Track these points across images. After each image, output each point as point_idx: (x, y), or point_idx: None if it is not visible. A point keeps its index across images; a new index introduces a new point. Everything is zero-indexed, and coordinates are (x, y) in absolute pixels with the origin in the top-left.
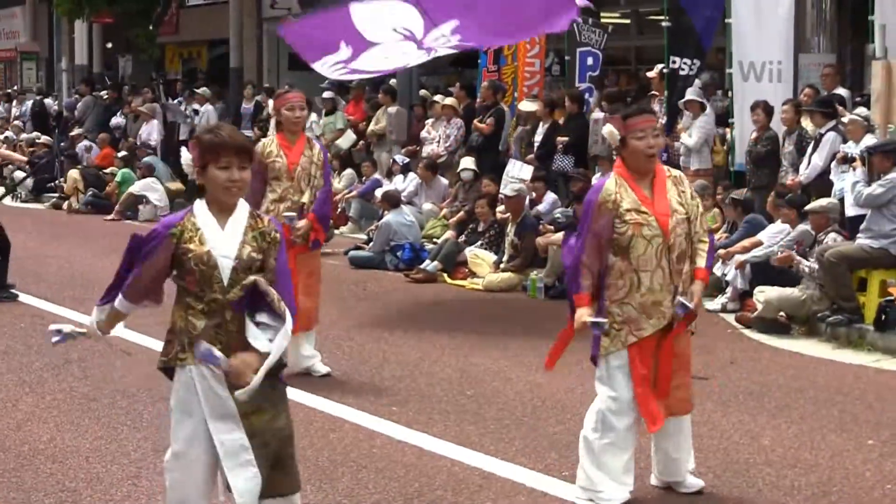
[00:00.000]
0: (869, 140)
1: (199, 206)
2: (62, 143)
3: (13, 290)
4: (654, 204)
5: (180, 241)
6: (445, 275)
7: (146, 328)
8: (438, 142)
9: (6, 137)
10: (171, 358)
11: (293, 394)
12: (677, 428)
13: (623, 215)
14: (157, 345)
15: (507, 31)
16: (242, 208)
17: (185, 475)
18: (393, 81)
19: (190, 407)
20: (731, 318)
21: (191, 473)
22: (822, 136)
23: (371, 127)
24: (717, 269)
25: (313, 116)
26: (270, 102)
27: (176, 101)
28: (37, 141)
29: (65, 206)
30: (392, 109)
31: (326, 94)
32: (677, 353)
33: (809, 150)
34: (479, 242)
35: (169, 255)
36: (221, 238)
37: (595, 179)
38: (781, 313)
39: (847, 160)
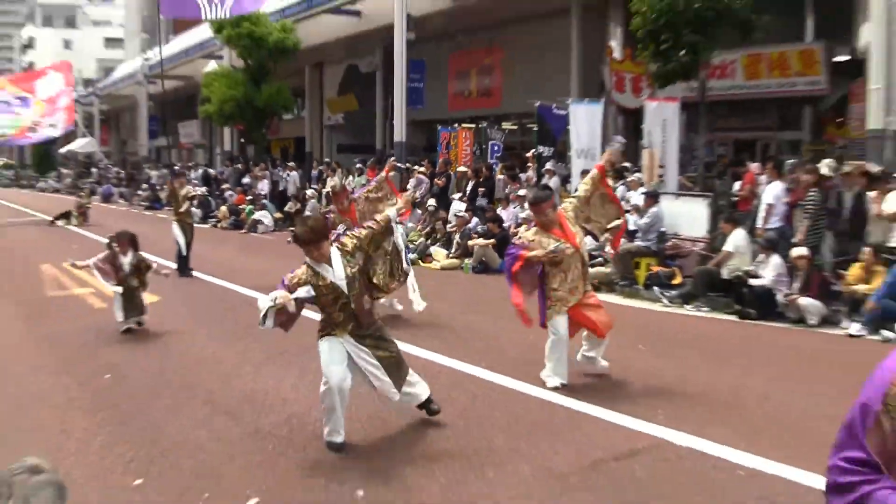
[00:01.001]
0: (641, 190)
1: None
2: (217, 192)
3: (192, 271)
4: (566, 235)
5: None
6: (420, 262)
7: None
8: (416, 191)
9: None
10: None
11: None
12: (599, 340)
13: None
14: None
15: None
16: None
17: (333, 397)
18: (392, 159)
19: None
20: None
21: (335, 395)
22: (617, 188)
23: None
24: None
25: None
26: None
27: (277, 170)
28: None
29: (218, 226)
30: (392, 174)
31: (357, 164)
32: (594, 303)
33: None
34: (438, 244)
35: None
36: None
37: (499, 210)
38: (596, 280)
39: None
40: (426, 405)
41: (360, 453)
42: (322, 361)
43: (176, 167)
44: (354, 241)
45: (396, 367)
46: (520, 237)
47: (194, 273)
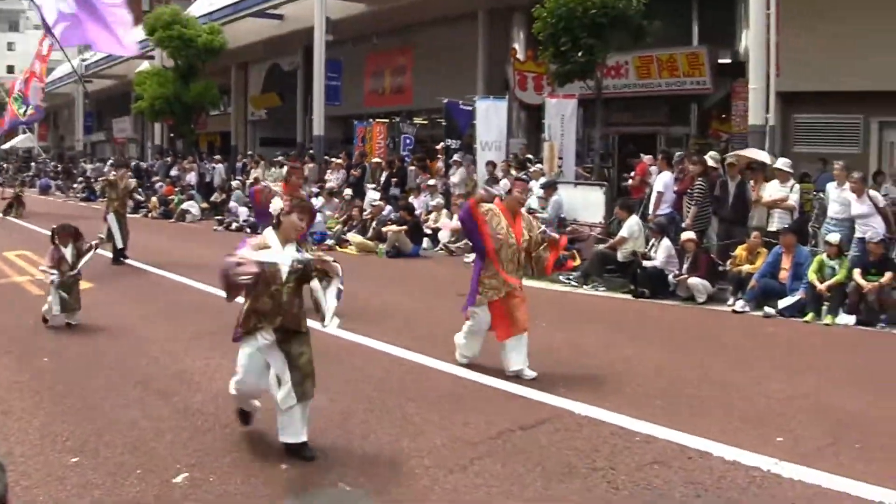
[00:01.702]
0: (542, 180)
1: (270, 232)
2: (147, 184)
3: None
4: (515, 229)
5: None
6: (337, 247)
7: None
8: (334, 181)
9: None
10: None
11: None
12: (521, 341)
13: (497, 230)
14: None
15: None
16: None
17: (241, 402)
18: (312, 152)
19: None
20: None
21: (252, 389)
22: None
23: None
24: None
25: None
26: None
27: (204, 162)
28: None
29: (149, 216)
30: (312, 166)
31: (279, 156)
32: (521, 299)
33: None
34: (353, 230)
35: None
36: (283, 253)
37: (411, 199)
38: None
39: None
40: (299, 449)
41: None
42: (240, 365)
43: (120, 159)
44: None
45: (303, 379)
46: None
47: (129, 261)
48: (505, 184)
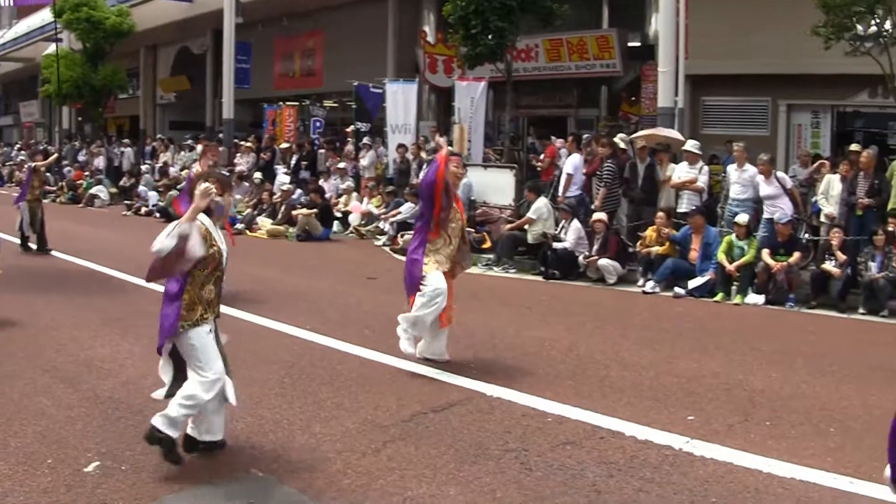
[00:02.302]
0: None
1: (206, 218)
2: (56, 169)
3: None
4: (459, 205)
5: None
6: (248, 231)
7: None
8: (244, 165)
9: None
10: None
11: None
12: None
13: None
14: None
15: None
16: None
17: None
18: (221, 135)
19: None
20: (387, 248)
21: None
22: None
23: None
24: (383, 224)
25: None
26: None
27: (112, 146)
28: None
29: (57, 201)
30: (222, 149)
31: (188, 139)
32: (452, 284)
33: (426, 166)
34: (264, 214)
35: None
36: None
37: (321, 182)
38: None
39: None
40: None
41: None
42: (205, 355)
43: (38, 145)
44: None
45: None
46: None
47: (31, 245)
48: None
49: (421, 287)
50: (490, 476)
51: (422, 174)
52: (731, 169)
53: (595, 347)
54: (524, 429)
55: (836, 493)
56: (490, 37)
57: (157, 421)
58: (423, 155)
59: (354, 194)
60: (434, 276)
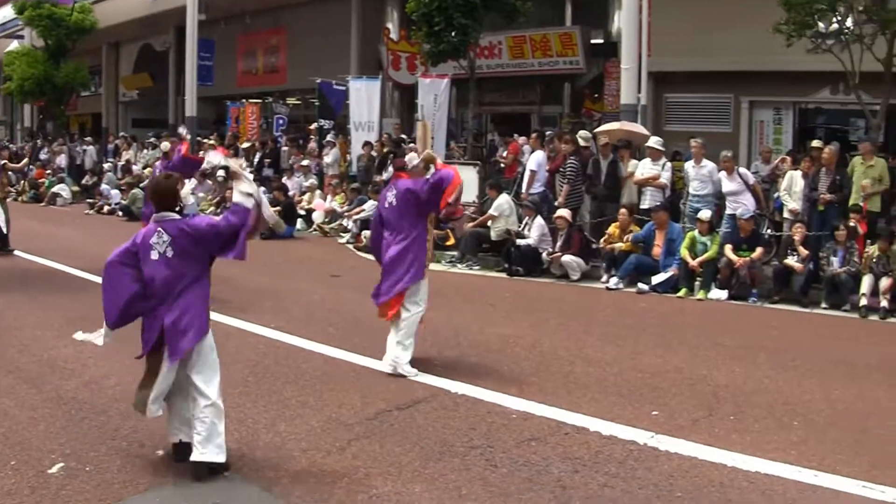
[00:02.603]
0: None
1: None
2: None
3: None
4: None
5: None
6: None
7: None
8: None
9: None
10: None
11: None
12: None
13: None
14: None
15: None
16: None
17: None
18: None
19: None
20: (350, 246)
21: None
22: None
23: None
24: (347, 222)
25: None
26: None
27: (74, 144)
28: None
29: (19, 199)
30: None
31: (152, 137)
32: None
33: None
34: None
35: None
36: None
37: (284, 180)
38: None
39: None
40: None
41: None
42: (216, 357)
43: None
44: None
45: None
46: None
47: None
48: (412, 157)
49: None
50: (455, 473)
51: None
52: (689, 165)
53: (559, 344)
54: (489, 426)
55: (801, 486)
56: (453, 34)
57: (213, 453)
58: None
59: (318, 192)
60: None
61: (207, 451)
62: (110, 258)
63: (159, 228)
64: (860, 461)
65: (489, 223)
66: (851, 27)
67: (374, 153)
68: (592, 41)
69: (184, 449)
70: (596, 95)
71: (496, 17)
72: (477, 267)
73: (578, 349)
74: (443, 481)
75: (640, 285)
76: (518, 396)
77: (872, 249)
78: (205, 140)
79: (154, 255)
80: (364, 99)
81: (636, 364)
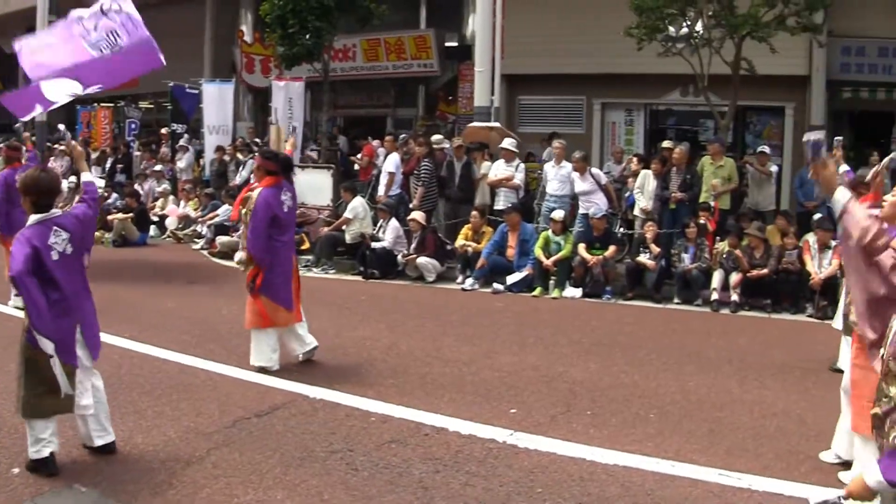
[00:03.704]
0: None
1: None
2: None
3: None
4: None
5: None
6: None
7: None
8: (58, 169)
9: None
10: None
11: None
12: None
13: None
14: None
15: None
16: None
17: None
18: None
19: None
20: (205, 252)
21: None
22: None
23: None
24: (201, 228)
25: None
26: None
27: None
28: None
29: None
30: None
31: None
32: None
33: (242, 168)
34: None
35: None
36: None
37: (136, 186)
38: (230, 249)
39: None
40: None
41: (14, 430)
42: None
43: None
44: None
45: None
46: None
47: None
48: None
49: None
50: (317, 478)
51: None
52: (549, 166)
53: (416, 345)
54: (348, 429)
55: (659, 477)
56: (307, 36)
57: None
58: (240, 156)
59: (171, 197)
60: None
61: (110, 431)
62: (18, 269)
63: (55, 227)
64: (715, 450)
65: (344, 227)
66: (701, 31)
67: (226, 157)
68: (447, 44)
69: (53, 461)
70: (450, 98)
71: (350, 20)
72: (332, 270)
73: (435, 350)
74: (304, 487)
75: (496, 285)
76: (377, 399)
77: (722, 246)
78: (56, 146)
79: (55, 256)
80: (217, 102)
81: (493, 363)
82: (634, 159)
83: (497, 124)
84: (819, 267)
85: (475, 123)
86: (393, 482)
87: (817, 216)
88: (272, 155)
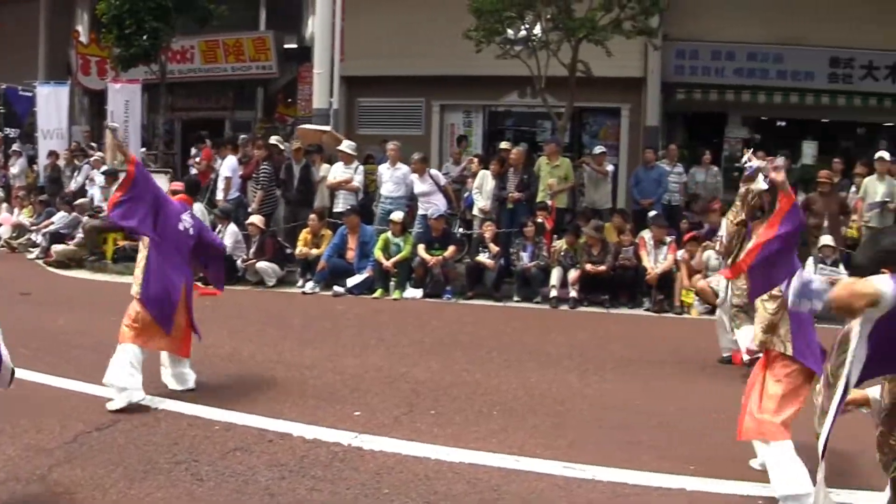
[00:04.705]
0: (103, 169)
1: None
2: None
3: None
4: None
5: None
6: None
7: None
8: None
9: None
10: None
11: None
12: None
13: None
14: None
15: None
16: None
17: None
18: None
19: None
20: (40, 262)
21: None
22: (83, 166)
23: None
24: (35, 236)
25: None
26: None
27: None
28: None
29: None
30: None
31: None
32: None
33: (77, 174)
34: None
35: None
36: None
37: None
38: (66, 258)
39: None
40: None
41: None
42: None
43: None
44: None
45: None
46: None
47: None
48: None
49: None
50: (162, 490)
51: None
52: (384, 168)
53: (258, 351)
54: (192, 439)
55: (504, 472)
56: (145, 37)
57: None
58: (76, 161)
59: (4, 205)
60: None
61: None
62: None
63: None
64: (559, 443)
65: None
66: (539, 34)
67: (61, 163)
68: (286, 46)
69: None
70: (289, 100)
71: (189, 21)
72: None
73: (277, 355)
74: (149, 500)
75: (336, 288)
76: (219, 407)
77: (560, 244)
78: None
79: None
80: (52, 105)
81: (336, 366)
82: (476, 160)
83: (328, 128)
84: (655, 262)
85: (306, 126)
86: (239, 490)
87: (652, 213)
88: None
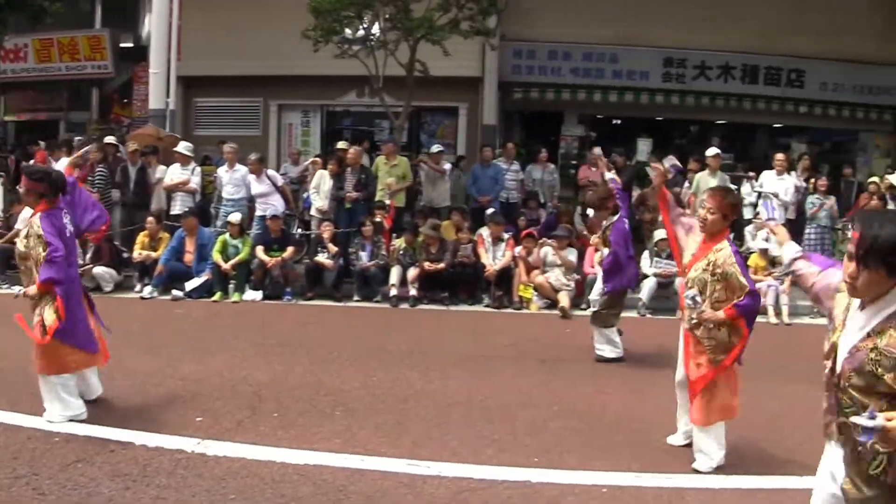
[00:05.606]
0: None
1: None
2: None
3: None
4: None
5: None
6: None
7: None
8: None
9: None
10: None
11: None
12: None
13: None
14: None
15: None
16: None
17: None
18: None
19: None
20: None
21: None
22: None
23: None
24: None
25: None
26: None
27: None
28: None
29: None
30: None
31: None
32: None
33: None
34: None
35: None
36: None
37: None
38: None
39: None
40: None
41: None
42: None
43: None
44: None
45: None
46: None
47: None
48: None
49: None
50: None
51: None
52: (223, 170)
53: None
54: (31, 452)
55: (349, 472)
56: None
57: None
58: None
59: None
60: None
61: None
62: None
63: None
64: (403, 441)
65: (16, 239)
66: (377, 34)
67: None
68: (122, 45)
69: None
70: (125, 100)
71: (22, 19)
72: (6, 286)
73: (117, 362)
74: None
75: (175, 292)
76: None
77: (399, 242)
78: None
79: None
80: None
81: (176, 372)
82: (319, 160)
83: (165, 132)
84: (493, 259)
85: (141, 130)
86: (82, 503)
87: (490, 211)
88: (41, 175)
